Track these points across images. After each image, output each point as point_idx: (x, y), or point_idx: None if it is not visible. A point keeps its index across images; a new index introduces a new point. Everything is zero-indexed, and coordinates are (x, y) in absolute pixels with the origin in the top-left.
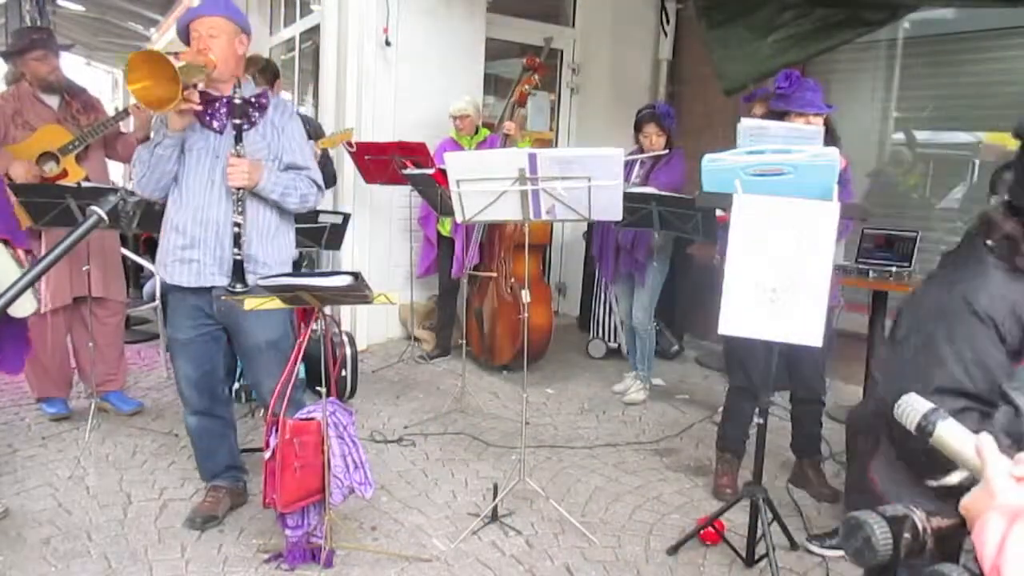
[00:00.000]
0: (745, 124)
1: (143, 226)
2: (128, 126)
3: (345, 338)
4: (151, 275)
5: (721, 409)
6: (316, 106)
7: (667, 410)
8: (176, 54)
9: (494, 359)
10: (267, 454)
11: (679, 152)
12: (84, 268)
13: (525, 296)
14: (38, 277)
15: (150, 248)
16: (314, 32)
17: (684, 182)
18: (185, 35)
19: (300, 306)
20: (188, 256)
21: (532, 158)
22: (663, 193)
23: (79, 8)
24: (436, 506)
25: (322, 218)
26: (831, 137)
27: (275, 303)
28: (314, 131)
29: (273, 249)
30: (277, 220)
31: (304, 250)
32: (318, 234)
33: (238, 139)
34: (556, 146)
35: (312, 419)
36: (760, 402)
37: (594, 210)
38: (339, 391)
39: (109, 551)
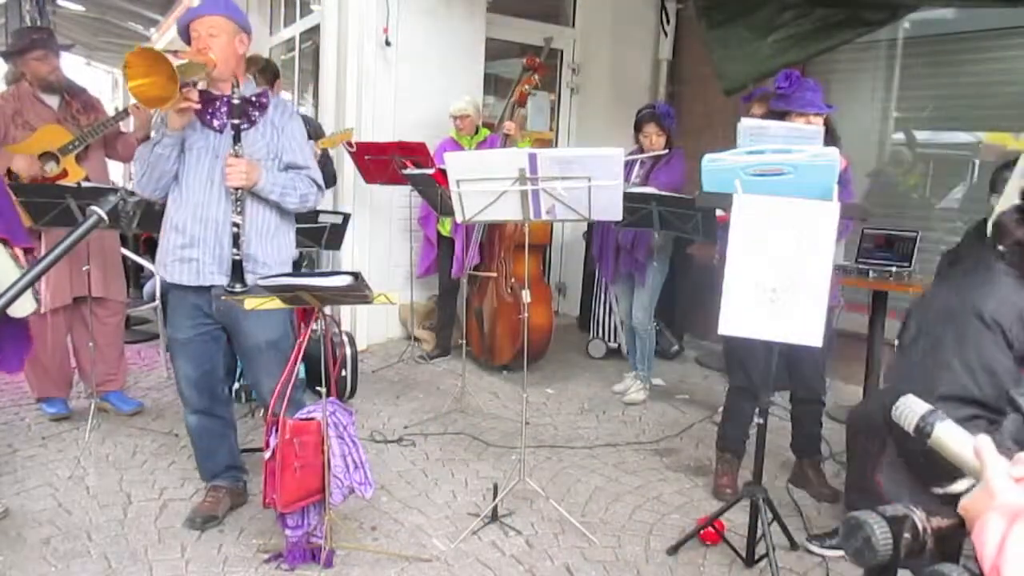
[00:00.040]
0: (745, 124)
1: (143, 226)
2: (128, 126)
3: (345, 338)
4: (151, 275)
5: (721, 409)
6: (316, 106)
7: (667, 410)
8: (176, 52)
9: (494, 359)
10: (267, 454)
11: (679, 152)
12: (84, 268)
13: (526, 296)
14: (38, 277)
15: (150, 248)
16: (314, 32)
17: (684, 182)
18: (186, 34)
19: (300, 306)
20: (187, 255)
21: (532, 158)
22: (663, 193)
23: (79, 8)
24: (436, 506)
25: (322, 218)
26: (831, 137)
27: (275, 303)
28: (314, 131)
29: (273, 249)
30: (277, 220)
31: (304, 250)
32: (318, 234)
33: (236, 139)
34: (556, 146)
35: (312, 419)
36: (760, 402)
37: (594, 210)
38: (339, 391)
39: (109, 551)
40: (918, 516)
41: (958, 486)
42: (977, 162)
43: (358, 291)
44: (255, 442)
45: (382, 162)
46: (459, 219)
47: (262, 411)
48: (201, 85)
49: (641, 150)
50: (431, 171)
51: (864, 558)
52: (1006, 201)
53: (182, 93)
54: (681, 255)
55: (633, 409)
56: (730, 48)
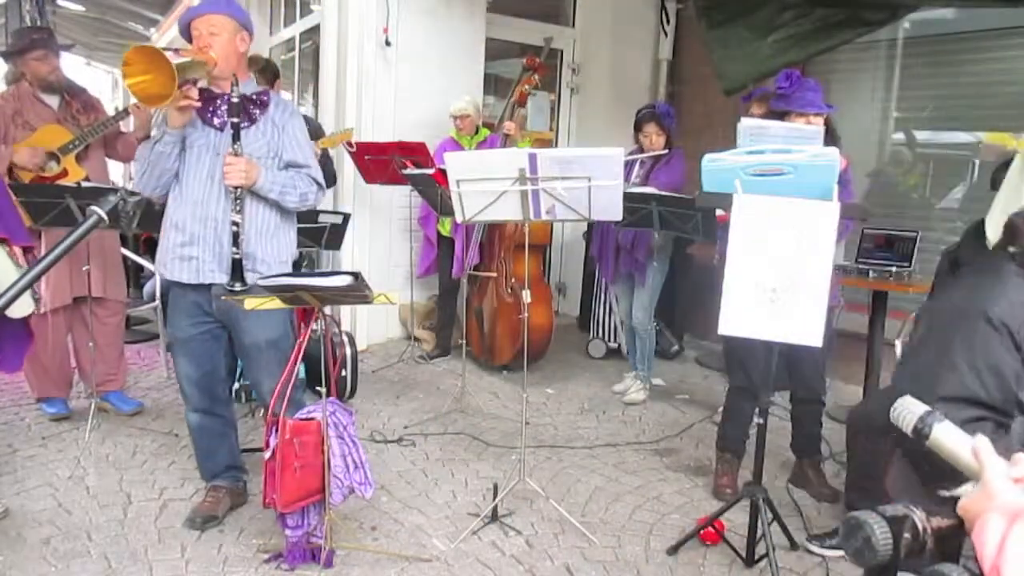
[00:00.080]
0: (745, 124)
1: (143, 226)
2: (128, 126)
3: (345, 338)
4: (151, 275)
5: (721, 409)
6: (316, 106)
7: (667, 410)
8: (178, 50)
9: (494, 359)
10: (267, 454)
11: (679, 152)
12: (84, 268)
13: (526, 296)
14: (38, 277)
15: (150, 248)
16: (314, 32)
17: (684, 182)
18: (187, 33)
19: (300, 306)
20: (187, 253)
21: (532, 158)
22: (663, 193)
23: (79, 8)
24: (436, 506)
25: (322, 218)
26: (831, 137)
27: (275, 303)
28: (314, 131)
29: (272, 248)
30: (277, 219)
31: (304, 250)
32: (318, 234)
33: (235, 137)
34: (556, 146)
35: (312, 419)
36: (760, 402)
37: (594, 210)
38: (339, 391)
39: (109, 551)
40: (918, 516)
41: (964, 489)
42: (977, 162)
43: (358, 291)
44: (255, 442)
45: (382, 162)
46: (459, 219)
47: (262, 411)
48: (202, 83)
49: (641, 150)
50: (431, 171)
51: (864, 558)
52: (1005, 201)
53: (181, 91)
54: (681, 255)
55: (633, 409)
56: (730, 48)
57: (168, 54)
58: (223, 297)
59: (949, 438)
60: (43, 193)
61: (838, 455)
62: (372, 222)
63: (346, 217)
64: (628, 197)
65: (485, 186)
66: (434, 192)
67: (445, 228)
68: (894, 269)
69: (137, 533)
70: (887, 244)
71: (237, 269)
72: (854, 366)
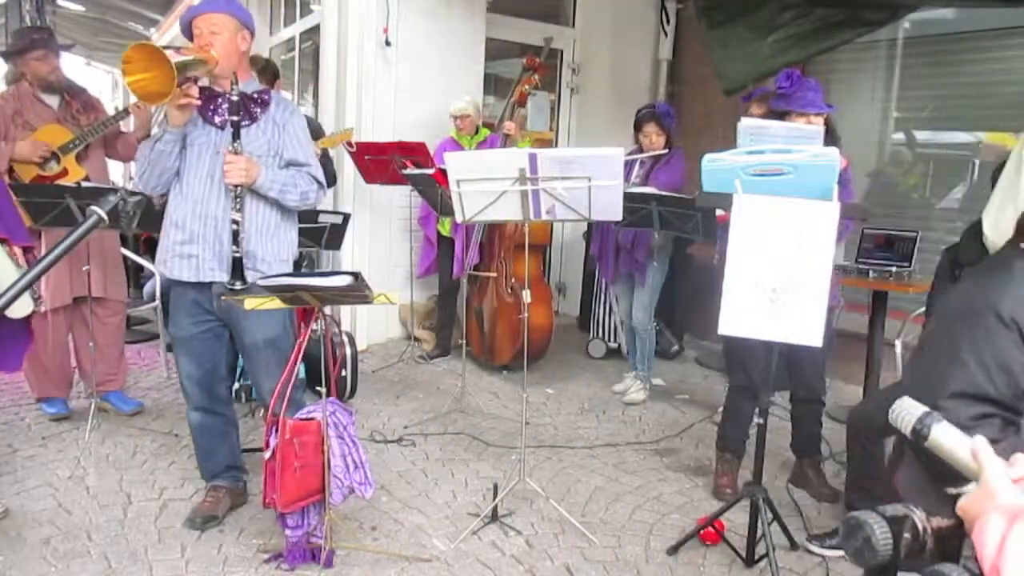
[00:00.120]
0: (745, 123)
1: (143, 226)
2: (128, 126)
3: (345, 338)
4: (151, 275)
5: (721, 409)
6: (316, 106)
7: (667, 410)
8: (179, 49)
9: (494, 359)
10: (267, 454)
11: (679, 152)
12: (84, 268)
13: (526, 296)
14: (38, 277)
15: (150, 248)
16: (314, 32)
17: (684, 182)
18: (188, 31)
19: (300, 306)
20: (187, 251)
21: (532, 158)
22: (663, 193)
23: (79, 8)
24: (436, 506)
25: (322, 218)
26: (831, 137)
27: (275, 303)
28: (314, 131)
29: (273, 247)
30: (278, 218)
31: (304, 250)
32: (318, 234)
33: (235, 136)
34: (556, 146)
35: (312, 419)
36: (760, 402)
37: (594, 210)
38: (339, 391)
39: (109, 551)
40: (918, 516)
41: (972, 487)
42: (977, 162)
43: (358, 291)
44: (255, 442)
45: (382, 162)
46: (459, 219)
47: (262, 411)
48: (203, 81)
49: (641, 150)
50: (431, 171)
51: (864, 558)
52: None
53: (181, 89)
54: (681, 255)
55: (633, 409)
56: (730, 48)
57: (169, 52)
58: (223, 296)
59: (948, 439)
60: (43, 193)
61: (838, 455)
62: (372, 222)
63: (346, 217)
64: (628, 197)
65: (485, 186)
66: (434, 192)
67: (445, 228)
68: (894, 269)
69: (137, 533)
70: (887, 244)
71: (237, 268)
72: (854, 366)
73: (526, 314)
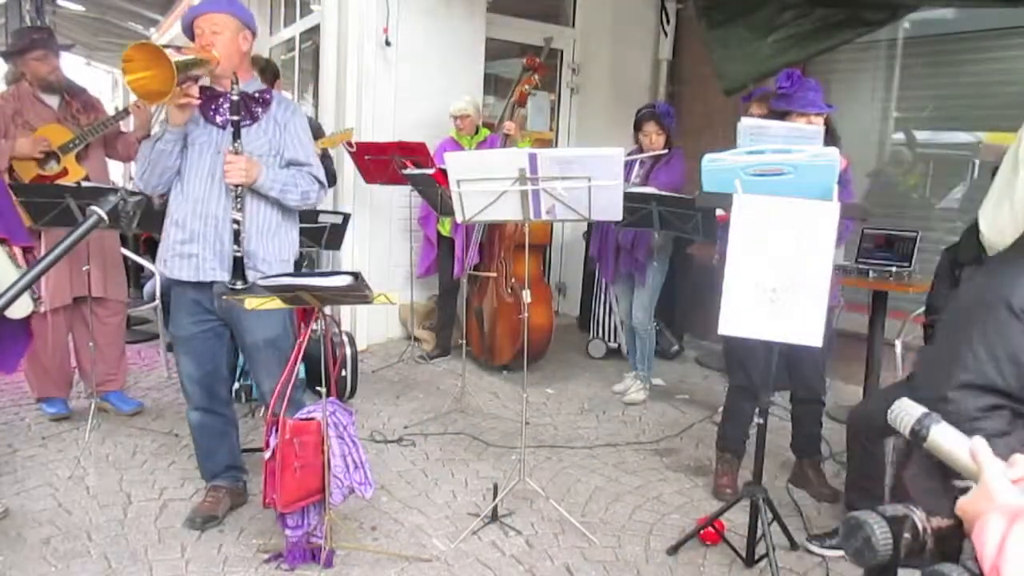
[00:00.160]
0: (745, 123)
1: (143, 226)
2: (128, 126)
3: (345, 338)
4: (151, 275)
5: (721, 409)
6: (316, 106)
7: (667, 410)
8: (180, 48)
9: (494, 359)
10: (267, 454)
11: (679, 152)
12: (84, 268)
13: (526, 296)
14: (37, 278)
15: (150, 248)
16: (314, 32)
17: (684, 182)
18: (190, 31)
19: (300, 306)
20: (187, 251)
21: (532, 158)
22: (663, 193)
23: (79, 8)
24: (436, 506)
25: (322, 218)
26: (831, 137)
27: (275, 303)
28: (314, 131)
29: (273, 246)
30: (279, 218)
31: (304, 250)
32: (318, 234)
33: (236, 135)
34: (556, 146)
35: (312, 419)
36: (760, 402)
37: (594, 210)
38: (339, 391)
39: (109, 551)
40: (918, 516)
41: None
42: (977, 162)
43: (358, 291)
44: (255, 442)
45: (382, 162)
46: (459, 219)
47: (262, 411)
48: (205, 81)
49: (641, 150)
50: (431, 171)
51: (864, 558)
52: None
53: (182, 88)
54: (681, 255)
55: (633, 409)
56: (730, 48)
57: (170, 51)
58: (224, 296)
59: (947, 439)
60: (43, 193)
61: (838, 455)
62: (372, 222)
63: (346, 217)
64: (628, 197)
65: (485, 186)
66: (434, 192)
67: (445, 228)
68: (894, 269)
69: (137, 533)
70: (887, 244)
71: (238, 267)
72: (854, 366)
73: (526, 314)
